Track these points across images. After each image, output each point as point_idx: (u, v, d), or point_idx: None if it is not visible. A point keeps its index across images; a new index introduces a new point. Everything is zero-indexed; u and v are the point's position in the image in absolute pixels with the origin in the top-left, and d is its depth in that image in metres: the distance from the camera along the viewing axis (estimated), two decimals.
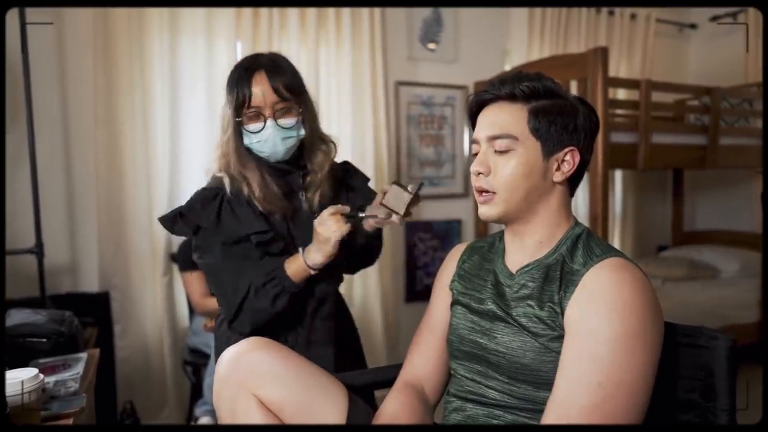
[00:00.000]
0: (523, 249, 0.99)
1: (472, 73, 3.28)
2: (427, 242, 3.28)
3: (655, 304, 0.86)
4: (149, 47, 2.51)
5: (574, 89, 2.67)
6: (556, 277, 0.91)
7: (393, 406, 1.02)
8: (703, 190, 4.18)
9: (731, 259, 3.60)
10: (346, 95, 2.92)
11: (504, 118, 0.94)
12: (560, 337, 0.88)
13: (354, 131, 2.94)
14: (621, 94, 3.54)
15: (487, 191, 0.95)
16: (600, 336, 0.82)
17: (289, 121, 1.27)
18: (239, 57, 2.68)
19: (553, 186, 0.96)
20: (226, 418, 0.95)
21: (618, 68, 3.76)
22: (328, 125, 2.90)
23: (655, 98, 2.82)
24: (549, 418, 0.83)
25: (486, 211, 0.96)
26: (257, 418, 0.92)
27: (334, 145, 1.39)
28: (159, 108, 2.52)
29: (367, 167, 2.98)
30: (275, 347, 0.98)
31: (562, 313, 0.88)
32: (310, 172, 1.34)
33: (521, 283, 0.96)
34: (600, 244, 0.94)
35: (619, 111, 3.04)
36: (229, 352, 0.97)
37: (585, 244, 0.94)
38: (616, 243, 3.83)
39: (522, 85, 0.93)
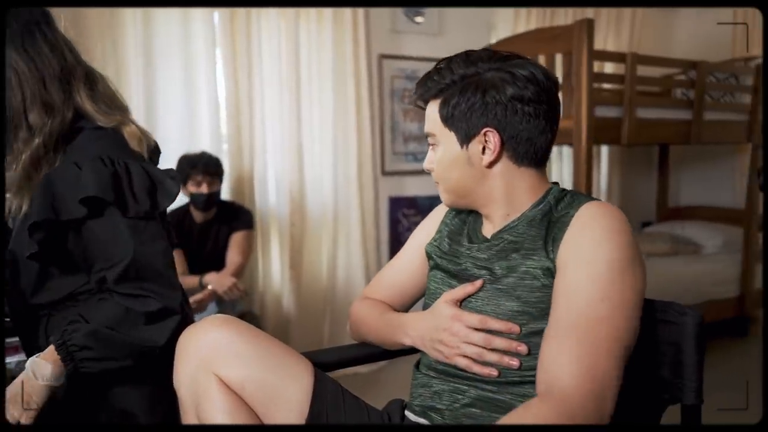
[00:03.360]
0: (493, 222, 1.00)
1: (457, 46, 3.14)
2: (410, 218, 3.25)
3: (637, 244, 0.89)
4: (121, 19, 2.42)
5: (559, 63, 2.63)
6: (543, 225, 0.92)
7: (360, 307, 1.16)
8: (686, 165, 4.18)
9: (713, 235, 3.61)
10: (328, 69, 2.86)
11: (428, 114, 1.00)
12: (543, 287, 0.88)
13: (336, 106, 2.89)
14: (609, 67, 3.50)
15: (436, 182, 1.03)
16: (598, 257, 0.84)
17: None
18: (217, 29, 2.64)
19: (489, 169, 0.95)
20: (187, 400, 0.93)
21: (606, 41, 3.71)
22: (309, 100, 2.85)
23: (642, 72, 2.79)
24: (558, 332, 0.83)
25: (441, 198, 1.04)
26: (218, 398, 0.90)
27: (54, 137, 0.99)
28: (134, 80, 2.45)
29: (349, 143, 2.94)
30: (236, 324, 0.96)
31: (549, 256, 0.88)
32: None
33: (503, 237, 0.96)
34: (588, 196, 0.95)
35: (606, 85, 3.00)
36: (188, 331, 0.95)
37: (572, 195, 0.95)
38: None
39: (437, 83, 0.96)
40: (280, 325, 2.86)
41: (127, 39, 2.44)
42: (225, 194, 2.64)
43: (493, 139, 0.92)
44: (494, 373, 0.90)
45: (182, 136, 2.56)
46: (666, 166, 4.10)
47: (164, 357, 0.99)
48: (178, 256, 2.32)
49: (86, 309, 1.03)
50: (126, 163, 0.99)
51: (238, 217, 2.47)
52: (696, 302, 3.08)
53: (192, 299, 2.14)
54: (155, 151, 1.12)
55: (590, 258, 0.84)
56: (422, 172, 3.19)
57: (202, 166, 2.32)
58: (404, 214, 3.24)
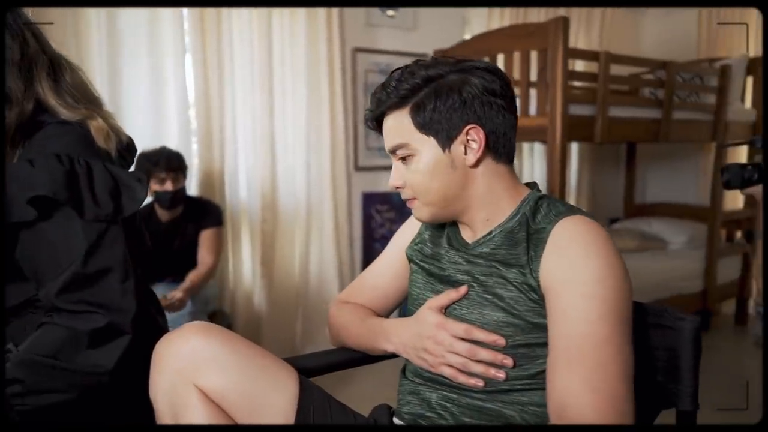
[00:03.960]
0: (473, 227, 0.97)
1: (431, 41, 3.19)
2: (384, 214, 3.22)
3: (621, 255, 0.87)
4: (85, 17, 2.30)
5: (534, 60, 2.63)
6: (522, 238, 0.89)
7: (340, 312, 1.12)
8: (653, 163, 4.27)
9: (679, 231, 3.70)
10: (301, 62, 2.79)
11: (393, 126, 0.93)
12: (530, 300, 0.86)
13: (309, 100, 2.83)
14: (579, 65, 3.53)
15: (410, 198, 0.95)
16: (585, 275, 0.81)
17: None
18: (186, 22, 2.54)
19: (472, 170, 0.91)
20: (164, 411, 0.87)
21: (576, 39, 3.75)
22: (282, 94, 2.78)
23: (612, 71, 2.81)
24: (560, 357, 0.80)
25: (417, 216, 0.97)
26: (198, 409, 0.85)
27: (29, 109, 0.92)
28: (98, 78, 2.33)
29: (322, 138, 2.89)
30: (216, 331, 0.91)
31: (532, 273, 0.85)
32: None
33: (484, 247, 0.93)
34: (565, 204, 0.92)
35: (577, 83, 3.03)
36: (166, 339, 0.89)
37: (548, 205, 0.91)
38: None
39: (397, 90, 0.90)
40: (251, 323, 2.80)
41: (91, 33, 2.32)
42: (193, 189, 2.55)
43: (477, 135, 0.89)
44: (480, 383, 0.88)
45: (149, 133, 2.45)
46: (633, 163, 4.18)
47: (116, 386, 0.87)
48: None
49: (30, 328, 0.90)
50: (87, 161, 0.89)
51: (206, 213, 2.37)
52: (663, 297, 3.15)
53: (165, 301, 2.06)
54: (129, 149, 1.04)
55: (581, 278, 0.81)
56: None
57: (164, 162, 2.20)
58: (377, 209, 3.21)
